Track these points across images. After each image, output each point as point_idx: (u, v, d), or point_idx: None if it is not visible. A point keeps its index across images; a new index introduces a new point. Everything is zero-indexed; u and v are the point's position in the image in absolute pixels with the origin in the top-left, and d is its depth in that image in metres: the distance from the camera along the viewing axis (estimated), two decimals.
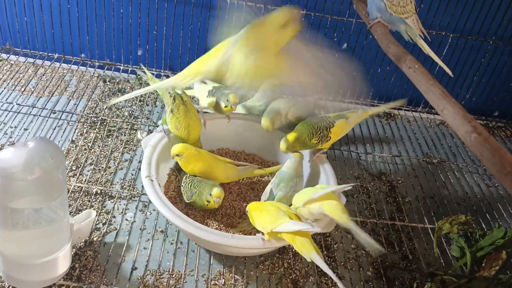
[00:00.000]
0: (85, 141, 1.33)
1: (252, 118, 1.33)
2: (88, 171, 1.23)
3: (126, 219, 1.13)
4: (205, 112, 1.26)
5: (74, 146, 1.30)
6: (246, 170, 1.18)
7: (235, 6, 1.57)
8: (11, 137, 1.29)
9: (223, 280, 1.03)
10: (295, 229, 0.90)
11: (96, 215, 1.11)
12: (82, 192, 1.16)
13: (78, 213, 1.05)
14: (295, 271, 1.08)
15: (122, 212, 1.14)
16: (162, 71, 1.68)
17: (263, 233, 0.96)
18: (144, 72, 1.22)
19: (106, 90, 1.57)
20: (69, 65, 1.65)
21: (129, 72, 1.68)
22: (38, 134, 1.32)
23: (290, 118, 1.22)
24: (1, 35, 1.62)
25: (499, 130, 1.83)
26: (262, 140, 1.28)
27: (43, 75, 1.58)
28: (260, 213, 0.97)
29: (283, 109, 1.21)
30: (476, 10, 1.63)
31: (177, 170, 1.18)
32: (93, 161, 1.27)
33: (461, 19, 1.65)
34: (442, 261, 1.16)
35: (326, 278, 1.08)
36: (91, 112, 1.44)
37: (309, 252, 0.89)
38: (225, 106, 1.17)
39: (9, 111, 1.38)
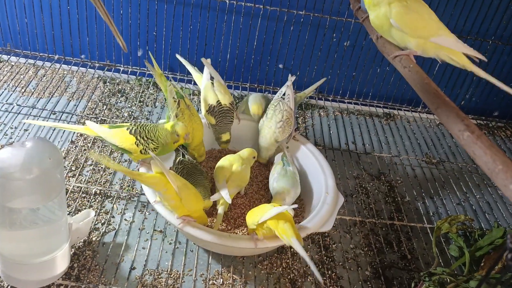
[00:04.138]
0: (84, 141, 1.33)
1: (252, 119, 1.33)
2: (88, 171, 1.24)
3: (125, 219, 1.13)
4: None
5: (74, 146, 1.31)
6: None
7: (234, 7, 1.58)
8: (11, 138, 1.30)
9: (221, 279, 1.03)
10: (276, 212, 0.92)
11: (95, 215, 1.11)
12: (81, 192, 1.17)
13: (77, 213, 1.05)
14: (293, 270, 1.08)
15: (121, 212, 1.15)
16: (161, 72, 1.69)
17: (256, 233, 0.97)
18: (152, 65, 1.21)
19: (106, 91, 1.57)
20: (69, 66, 1.66)
21: (129, 73, 1.69)
22: (38, 134, 1.32)
23: (278, 140, 1.23)
24: (2, 37, 1.63)
25: (499, 130, 1.83)
26: None
27: (44, 76, 1.59)
28: (251, 213, 1.00)
29: (269, 141, 1.23)
30: (475, 10, 1.63)
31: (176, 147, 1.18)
32: (92, 161, 1.27)
33: (460, 19, 1.65)
34: (440, 260, 1.16)
35: (324, 278, 1.08)
36: (91, 113, 1.45)
37: (289, 237, 0.90)
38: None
39: (9, 112, 1.39)
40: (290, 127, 1.23)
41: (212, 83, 1.24)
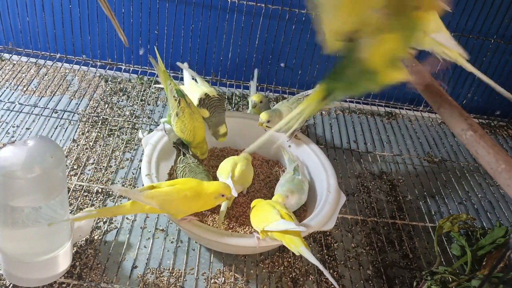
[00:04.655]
0: (86, 140, 1.33)
1: (253, 116, 1.33)
2: (90, 170, 1.24)
3: (127, 218, 1.13)
4: None
5: (76, 145, 1.31)
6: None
7: (235, 6, 1.58)
8: (13, 137, 1.30)
9: (223, 278, 1.03)
10: (283, 229, 0.92)
11: None
12: (83, 191, 1.17)
13: (79, 212, 1.05)
14: (295, 269, 1.08)
15: None
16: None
17: (258, 232, 0.97)
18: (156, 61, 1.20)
19: (107, 89, 1.57)
20: (71, 65, 1.66)
21: (130, 71, 1.69)
22: (40, 133, 1.32)
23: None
24: (4, 35, 1.63)
25: (501, 129, 1.83)
26: None
27: (45, 74, 1.59)
28: (256, 212, 1.00)
29: (285, 111, 1.24)
30: (477, 9, 1.63)
31: (177, 146, 1.20)
32: (94, 160, 1.27)
33: (462, 18, 1.64)
34: (442, 259, 1.16)
35: (326, 277, 1.08)
36: (93, 111, 1.45)
37: (297, 247, 0.90)
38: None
39: (11, 111, 1.39)
40: (303, 121, 1.24)
41: (195, 81, 1.28)
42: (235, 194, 1.04)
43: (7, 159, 0.79)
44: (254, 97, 1.38)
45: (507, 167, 0.52)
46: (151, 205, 0.91)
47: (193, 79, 1.30)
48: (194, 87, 1.26)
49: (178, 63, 1.28)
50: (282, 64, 1.72)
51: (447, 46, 0.92)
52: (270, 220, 0.94)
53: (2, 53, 1.64)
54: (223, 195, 0.97)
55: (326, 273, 0.86)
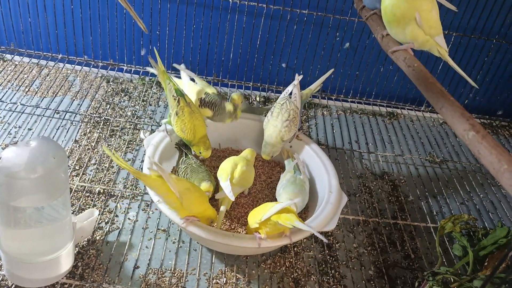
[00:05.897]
0: (88, 141, 1.34)
1: (254, 117, 1.33)
2: (91, 170, 1.24)
3: (129, 218, 1.13)
4: None
5: (78, 145, 1.31)
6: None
7: (237, 6, 1.58)
8: (15, 137, 1.30)
9: (225, 279, 1.03)
10: (279, 208, 0.94)
11: (99, 214, 1.12)
12: (85, 192, 1.17)
13: (81, 212, 1.05)
14: (297, 270, 1.08)
15: (124, 211, 1.15)
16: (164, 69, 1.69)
17: (259, 232, 0.97)
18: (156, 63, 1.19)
19: (109, 90, 1.57)
20: (73, 65, 1.66)
21: (132, 72, 1.69)
22: (42, 134, 1.33)
23: (284, 139, 1.23)
24: (6, 36, 1.63)
25: (503, 129, 1.83)
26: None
27: (47, 75, 1.59)
28: (253, 212, 1.01)
29: (275, 139, 1.22)
30: (479, 9, 1.63)
31: (179, 147, 1.21)
32: (96, 160, 1.27)
33: (464, 18, 1.64)
34: (444, 260, 1.16)
35: (328, 277, 1.08)
36: (95, 112, 1.45)
37: (292, 221, 0.92)
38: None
39: (13, 111, 1.39)
40: (296, 126, 1.23)
41: (193, 81, 1.28)
42: (232, 198, 1.04)
43: (9, 160, 0.79)
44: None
45: (510, 168, 0.52)
46: (174, 190, 0.93)
47: (191, 79, 1.29)
48: (194, 87, 1.26)
49: (175, 65, 1.29)
50: (283, 65, 1.72)
51: (441, 46, 0.95)
52: (266, 209, 0.96)
53: (4, 54, 1.65)
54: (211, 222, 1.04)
55: (318, 235, 0.89)
